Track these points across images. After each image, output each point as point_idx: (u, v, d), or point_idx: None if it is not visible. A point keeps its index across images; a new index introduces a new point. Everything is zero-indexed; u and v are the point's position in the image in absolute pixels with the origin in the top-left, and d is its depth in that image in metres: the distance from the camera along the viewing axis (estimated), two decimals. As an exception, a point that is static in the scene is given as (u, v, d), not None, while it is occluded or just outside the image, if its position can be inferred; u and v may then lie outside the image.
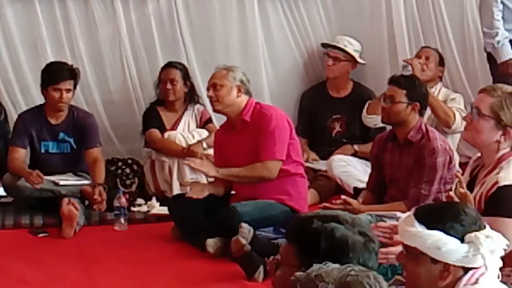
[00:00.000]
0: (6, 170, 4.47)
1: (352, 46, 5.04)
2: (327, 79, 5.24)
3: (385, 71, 5.08)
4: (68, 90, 4.31)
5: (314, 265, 1.38)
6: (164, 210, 4.41)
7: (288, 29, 5.30)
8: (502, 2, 4.97)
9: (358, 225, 1.78)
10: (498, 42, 4.87)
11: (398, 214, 3.26)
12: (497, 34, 4.93)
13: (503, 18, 4.97)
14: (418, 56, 4.80)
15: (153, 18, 4.87)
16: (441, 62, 4.89)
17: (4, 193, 4.55)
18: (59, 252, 4.09)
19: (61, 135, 4.52)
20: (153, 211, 4.58)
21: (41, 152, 4.48)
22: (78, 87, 4.61)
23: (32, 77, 4.70)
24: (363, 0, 5.24)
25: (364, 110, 4.86)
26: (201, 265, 3.84)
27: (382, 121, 4.01)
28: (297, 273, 1.35)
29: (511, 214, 2.42)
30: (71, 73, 4.36)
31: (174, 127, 4.83)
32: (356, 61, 5.11)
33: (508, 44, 4.97)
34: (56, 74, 4.37)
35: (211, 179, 4.55)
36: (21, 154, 4.43)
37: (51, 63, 4.56)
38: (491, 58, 4.95)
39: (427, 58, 4.79)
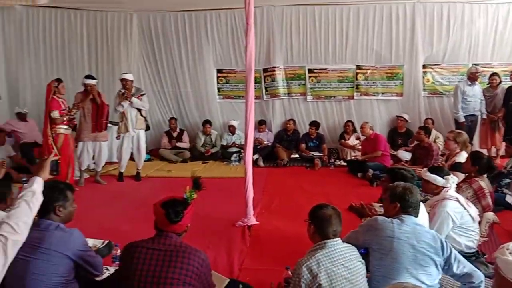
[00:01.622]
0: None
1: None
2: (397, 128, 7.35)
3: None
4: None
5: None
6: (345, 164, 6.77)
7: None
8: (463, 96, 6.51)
9: (411, 173, 2.88)
10: (458, 115, 6.65)
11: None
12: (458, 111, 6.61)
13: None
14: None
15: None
16: None
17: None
18: (312, 176, 6.22)
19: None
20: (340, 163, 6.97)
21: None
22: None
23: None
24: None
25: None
26: (359, 182, 5.84)
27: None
28: (392, 183, 2.23)
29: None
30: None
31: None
32: None
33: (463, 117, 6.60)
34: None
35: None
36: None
37: None
38: None
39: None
